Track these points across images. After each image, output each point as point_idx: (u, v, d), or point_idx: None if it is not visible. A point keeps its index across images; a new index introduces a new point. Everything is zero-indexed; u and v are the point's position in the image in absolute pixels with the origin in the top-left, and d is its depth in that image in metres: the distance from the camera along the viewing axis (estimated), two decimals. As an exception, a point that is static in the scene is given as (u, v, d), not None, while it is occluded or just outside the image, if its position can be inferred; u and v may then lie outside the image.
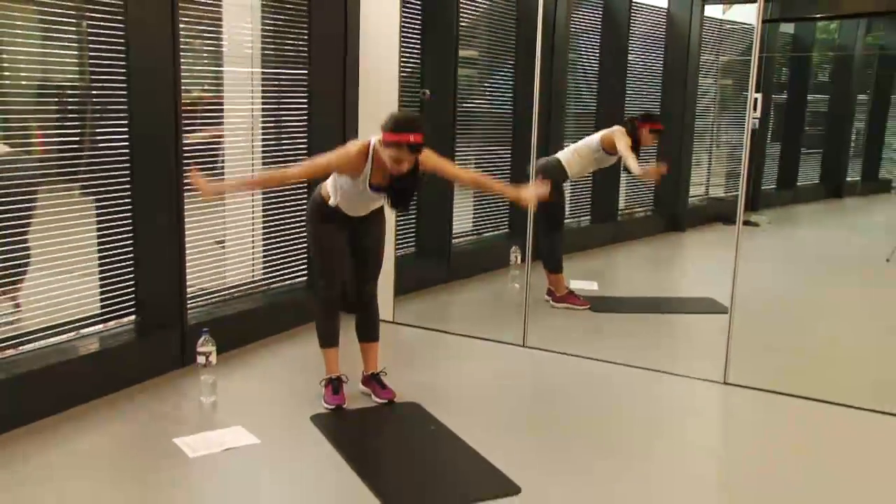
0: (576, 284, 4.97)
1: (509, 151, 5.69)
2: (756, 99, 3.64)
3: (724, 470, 2.99)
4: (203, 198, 3.06)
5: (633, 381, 3.79)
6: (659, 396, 3.64)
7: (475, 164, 5.77)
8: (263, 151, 4.39)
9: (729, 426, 3.46)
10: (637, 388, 3.72)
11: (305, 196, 4.51)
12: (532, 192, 3.19)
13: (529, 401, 3.52)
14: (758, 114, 3.63)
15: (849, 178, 6.49)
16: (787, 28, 6.27)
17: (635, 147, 4.59)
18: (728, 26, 5.52)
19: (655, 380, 3.81)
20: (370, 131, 4.45)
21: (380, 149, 2.99)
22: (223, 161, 4.22)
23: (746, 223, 3.73)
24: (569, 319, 4.75)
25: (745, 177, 3.65)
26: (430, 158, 3.06)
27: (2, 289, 3.28)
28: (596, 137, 4.73)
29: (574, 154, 4.76)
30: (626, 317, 4.83)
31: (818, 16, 6.26)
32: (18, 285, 3.33)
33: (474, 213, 5.73)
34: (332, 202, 3.18)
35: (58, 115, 3.40)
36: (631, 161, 4.56)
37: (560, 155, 4.79)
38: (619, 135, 4.63)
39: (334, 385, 3.37)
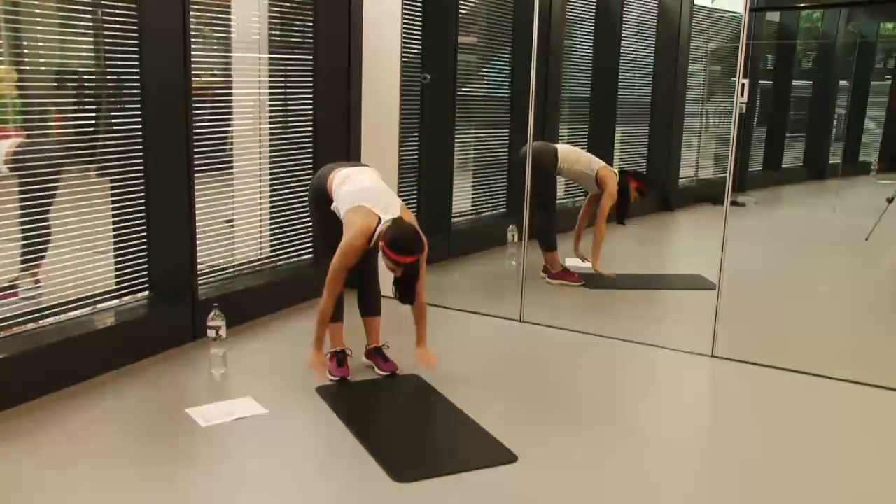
0: (570, 262, 4.96)
1: (507, 134, 5.64)
2: (743, 85, 3.57)
3: (710, 438, 2.98)
4: (317, 374, 3.20)
5: (625, 354, 3.79)
6: (650, 369, 3.64)
7: (474, 146, 5.75)
8: (270, 134, 4.36)
9: (716, 397, 3.45)
10: (629, 361, 3.71)
11: (311, 176, 4.48)
12: (425, 360, 3.23)
13: (525, 373, 3.51)
14: (745, 99, 3.59)
15: (831, 161, 6.48)
16: (774, 17, 6.23)
17: (621, 197, 4.63)
18: (717, 14, 5.47)
19: (646, 353, 3.80)
20: (373, 115, 4.53)
21: (381, 243, 2.99)
22: (231, 144, 4.19)
23: (734, 203, 3.72)
24: (563, 295, 4.74)
25: (733, 159, 3.64)
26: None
27: (24, 266, 3.26)
28: (597, 163, 4.72)
29: (573, 156, 4.74)
30: (619, 293, 4.83)
31: (803, 5, 6.22)
32: (39, 263, 3.31)
33: (473, 194, 5.71)
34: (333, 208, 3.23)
35: (75, 101, 3.38)
36: (601, 223, 4.61)
37: (559, 147, 4.75)
38: (613, 183, 4.65)
39: (339, 357, 3.36)
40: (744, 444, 2.86)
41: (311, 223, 4.56)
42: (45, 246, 3.27)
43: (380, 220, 2.99)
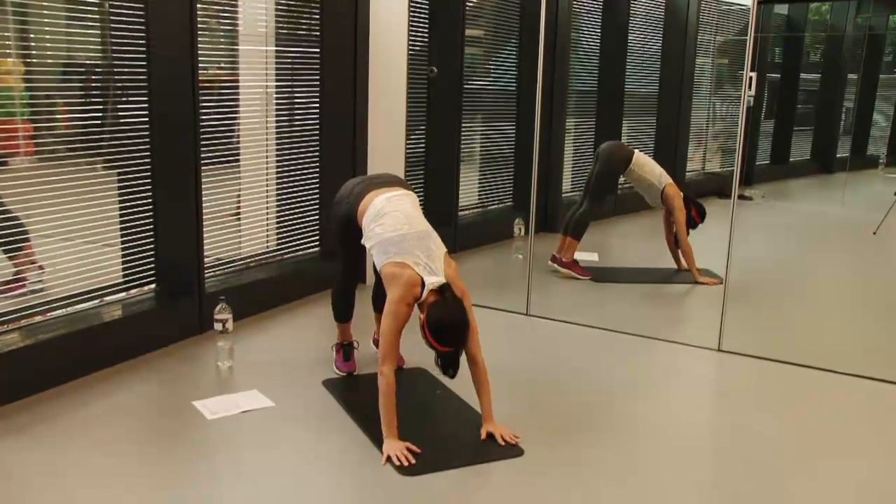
0: (578, 255, 4.94)
1: (513, 127, 5.62)
2: (751, 77, 3.55)
3: (717, 434, 2.96)
4: (398, 462, 2.55)
5: (631, 348, 3.77)
6: (656, 363, 3.61)
7: (481, 139, 5.73)
8: (277, 127, 4.34)
9: (722, 392, 3.43)
10: (635, 354, 3.70)
11: (317, 170, 4.51)
12: (507, 435, 2.71)
13: (532, 367, 3.49)
14: (753, 92, 3.58)
15: (839, 155, 6.43)
16: (782, 9, 6.17)
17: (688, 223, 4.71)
18: (725, 7, 5.43)
19: (653, 347, 3.78)
20: (379, 108, 4.51)
21: (422, 317, 2.64)
22: (238, 137, 4.17)
23: (741, 197, 3.74)
24: (570, 289, 4.73)
25: (740, 152, 3.61)
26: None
27: (26, 256, 3.25)
28: (666, 179, 4.77)
29: (647, 165, 4.78)
30: (626, 286, 4.81)
31: (811, -3, 6.17)
32: (26, 252, 3.29)
33: (480, 187, 5.69)
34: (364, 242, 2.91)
35: (82, 93, 3.37)
36: (684, 237, 4.70)
37: (637, 153, 4.81)
38: (679, 200, 4.72)
39: (346, 351, 3.34)
40: (751, 440, 2.84)
41: (318, 216, 4.57)
42: (21, 231, 3.23)
43: (423, 285, 2.65)
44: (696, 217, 4.76)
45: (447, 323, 2.59)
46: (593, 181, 4.86)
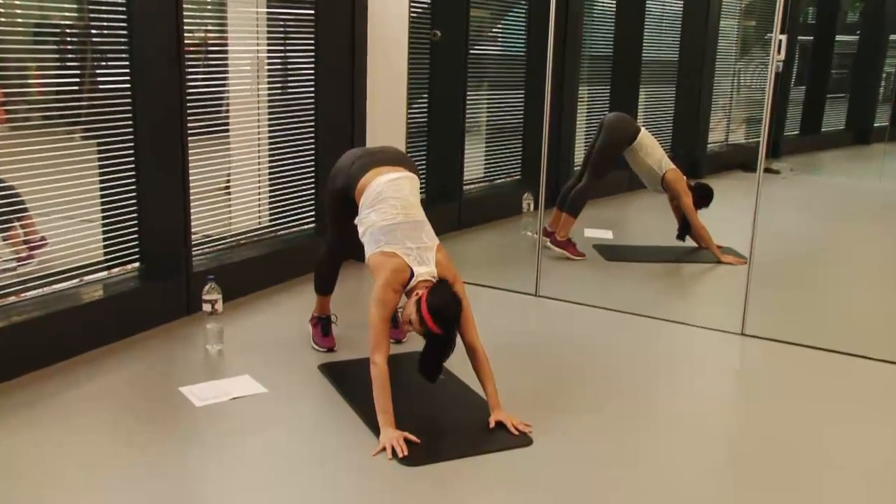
0: (590, 233, 4.95)
1: (522, 96, 5.58)
2: (780, 41, 3.48)
3: (739, 422, 2.95)
4: (398, 452, 2.52)
5: (647, 331, 3.76)
6: (674, 347, 3.60)
7: (487, 108, 5.69)
8: (270, 95, 4.30)
9: (745, 378, 3.42)
10: (652, 338, 3.68)
11: (313, 141, 4.49)
12: (521, 425, 2.69)
13: (541, 352, 3.48)
14: (782, 56, 3.50)
15: (876, 124, 6.33)
16: (816, -35, 6.09)
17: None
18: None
19: (671, 330, 3.77)
20: (379, 75, 4.47)
21: (422, 302, 2.62)
22: (228, 105, 4.14)
23: (767, 170, 3.73)
24: (583, 268, 4.71)
25: (767, 122, 3.57)
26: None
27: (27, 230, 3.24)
28: (667, 164, 4.73)
29: (651, 146, 4.73)
30: (641, 266, 4.79)
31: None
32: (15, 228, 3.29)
33: (486, 159, 5.67)
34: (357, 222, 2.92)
35: (57, 57, 3.32)
36: (695, 220, 4.68)
37: (644, 131, 4.76)
38: (682, 182, 4.68)
39: (324, 325, 3.39)
40: (775, 430, 2.83)
41: (313, 190, 4.56)
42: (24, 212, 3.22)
43: (412, 274, 2.70)
44: (699, 202, 4.74)
45: (445, 307, 2.61)
46: (594, 154, 4.80)
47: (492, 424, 2.70)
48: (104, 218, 3.54)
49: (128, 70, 3.47)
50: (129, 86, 3.48)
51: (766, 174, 3.65)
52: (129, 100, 3.50)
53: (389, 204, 2.82)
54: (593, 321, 3.87)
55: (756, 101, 5.05)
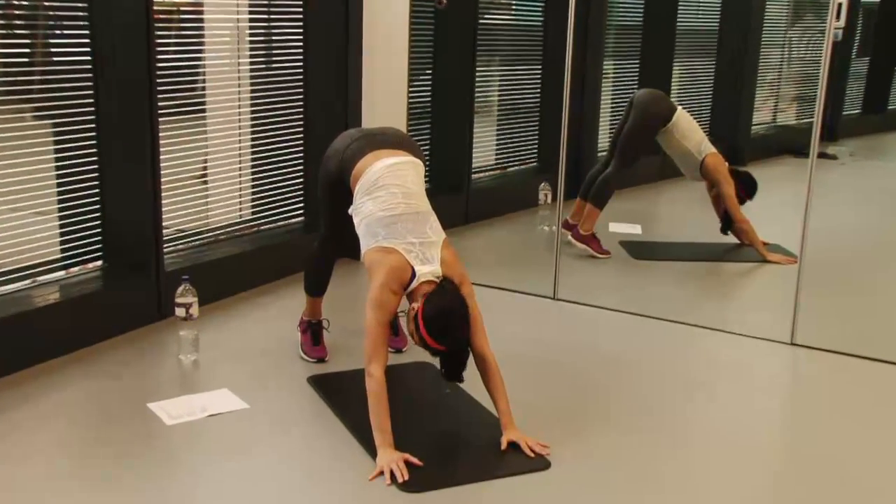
0: (617, 227, 4.98)
1: (539, 72, 5.59)
2: (840, 4, 3.45)
3: (786, 444, 2.93)
4: (397, 476, 2.49)
5: (682, 339, 3.76)
6: (713, 359, 3.60)
7: (499, 85, 5.70)
8: (252, 70, 4.31)
9: (795, 394, 3.40)
10: (687, 348, 3.68)
11: (301, 123, 4.50)
12: (537, 447, 2.67)
13: (560, 363, 3.48)
14: (841, 23, 3.48)
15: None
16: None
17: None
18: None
19: (709, 339, 3.78)
20: (376, 47, 4.45)
21: (417, 308, 2.65)
22: (204, 82, 4.14)
23: (822, 155, 3.68)
24: (607, 268, 4.72)
25: (823, 100, 3.55)
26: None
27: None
28: (707, 148, 4.72)
29: (688, 128, 4.72)
30: (675, 265, 4.80)
31: None
32: None
33: (498, 145, 5.68)
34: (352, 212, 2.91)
35: (2, 23, 3.33)
36: (738, 213, 4.69)
37: (680, 110, 4.75)
38: (724, 169, 4.69)
39: (314, 332, 3.40)
40: (830, 454, 2.80)
41: (302, 178, 4.57)
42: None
43: (414, 274, 2.69)
44: (742, 194, 4.74)
45: (444, 314, 2.61)
46: (623, 137, 4.81)
47: (504, 445, 2.69)
48: (61, 209, 3.53)
49: (88, 40, 3.46)
50: (89, 57, 3.48)
51: (821, 160, 3.63)
52: (89, 73, 3.49)
53: (389, 192, 2.81)
54: (620, 328, 3.87)
55: (810, 75, 5.03)
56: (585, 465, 2.65)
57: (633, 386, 3.27)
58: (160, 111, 3.61)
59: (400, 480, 2.48)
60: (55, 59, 3.42)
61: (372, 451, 2.61)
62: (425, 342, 2.63)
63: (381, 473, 2.51)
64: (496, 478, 2.56)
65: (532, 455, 2.64)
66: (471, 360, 2.72)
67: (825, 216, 3.74)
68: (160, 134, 3.62)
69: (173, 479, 2.52)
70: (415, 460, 2.56)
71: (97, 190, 3.61)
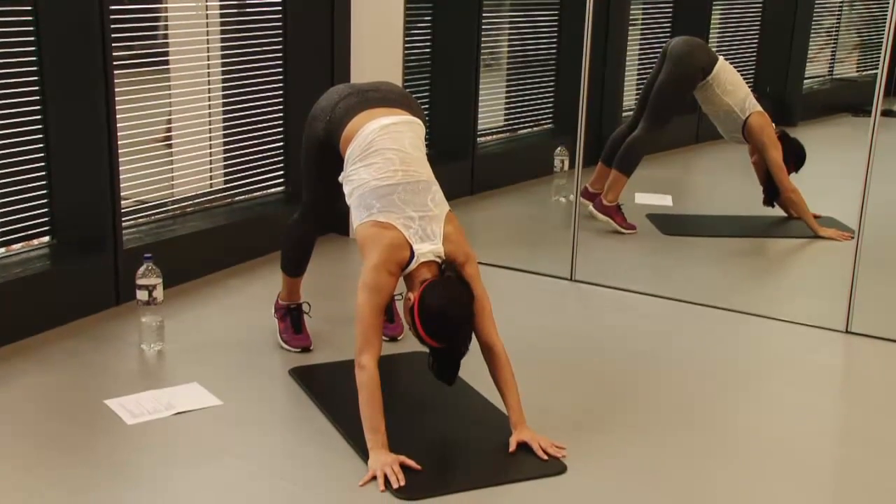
0: (644, 198, 4.98)
1: (556, 21, 5.58)
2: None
3: (841, 445, 2.93)
4: (397, 484, 2.49)
5: (720, 327, 3.77)
6: (757, 349, 3.61)
7: (509, 36, 5.70)
8: (222, 16, 4.29)
9: (850, 388, 3.41)
10: (726, 337, 3.69)
11: (281, 79, 4.50)
12: (551, 448, 2.68)
13: (579, 353, 3.49)
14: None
15: None
16: None
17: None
18: None
19: (752, 327, 3.79)
20: (367, 12, 4.42)
21: (413, 298, 2.67)
22: (166, 31, 4.13)
23: (887, 114, 3.66)
24: (633, 245, 4.73)
25: (889, 49, 3.53)
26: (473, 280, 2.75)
27: None
28: (752, 106, 4.72)
29: (730, 82, 4.73)
30: (711, 242, 4.81)
31: None
32: None
33: (508, 103, 5.67)
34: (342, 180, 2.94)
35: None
36: (785, 181, 4.68)
37: (722, 60, 4.76)
38: (770, 130, 4.68)
39: (294, 318, 3.42)
40: (889, 453, 2.81)
41: (282, 143, 4.58)
42: None
43: (412, 253, 2.70)
44: (790, 163, 4.74)
45: (446, 310, 2.63)
46: (654, 92, 4.79)
47: (513, 447, 2.71)
48: (1, 178, 3.52)
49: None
50: (32, 6, 3.46)
51: (885, 119, 3.62)
52: (30, 17, 3.47)
53: (385, 158, 2.81)
54: (647, 314, 3.88)
55: (873, 21, 4.99)
56: (607, 471, 2.65)
57: (662, 380, 3.27)
58: (116, 63, 3.60)
59: (395, 486, 2.49)
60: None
61: (363, 454, 2.62)
62: (421, 337, 2.65)
63: (374, 478, 2.53)
64: (504, 483, 2.57)
65: (545, 458, 2.65)
66: (478, 351, 2.72)
67: (888, 185, 3.75)
68: (116, 90, 3.61)
69: (135, 489, 2.52)
70: (411, 463, 2.57)
71: (42, 154, 3.60)
